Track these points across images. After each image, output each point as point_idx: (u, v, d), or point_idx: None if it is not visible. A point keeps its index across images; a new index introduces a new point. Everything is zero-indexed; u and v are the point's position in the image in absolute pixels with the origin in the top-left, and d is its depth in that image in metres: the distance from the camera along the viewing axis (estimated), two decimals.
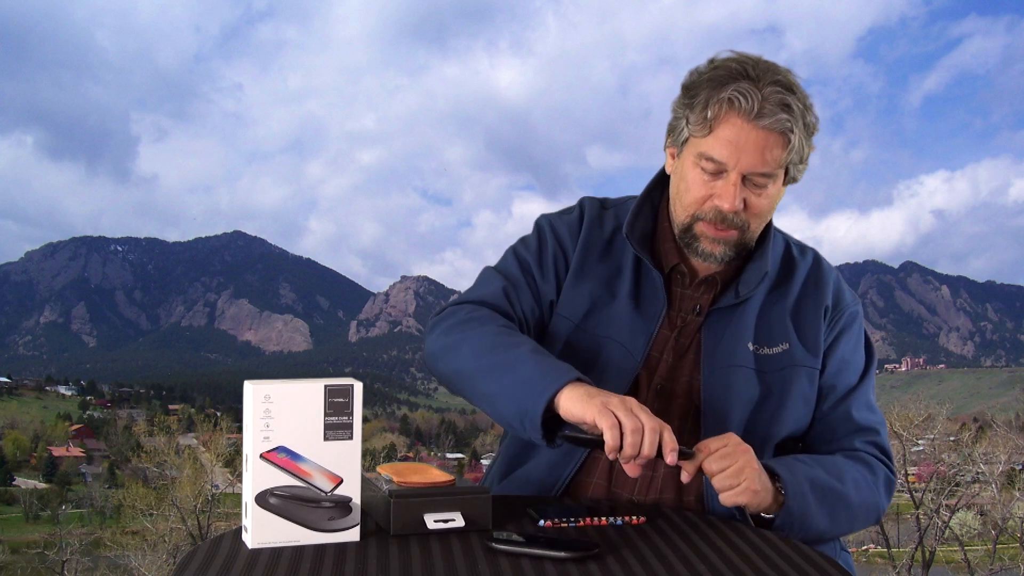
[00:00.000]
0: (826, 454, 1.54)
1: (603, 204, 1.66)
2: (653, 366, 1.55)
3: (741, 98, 1.38)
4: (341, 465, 1.17)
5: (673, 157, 1.54)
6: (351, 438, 1.18)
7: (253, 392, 1.13)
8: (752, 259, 1.55)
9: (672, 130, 1.52)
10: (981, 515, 27.37)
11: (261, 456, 1.14)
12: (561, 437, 1.31)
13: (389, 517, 1.21)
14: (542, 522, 1.28)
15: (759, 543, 1.24)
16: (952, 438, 30.23)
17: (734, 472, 1.32)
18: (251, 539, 1.15)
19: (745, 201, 1.44)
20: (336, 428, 1.17)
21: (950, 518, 23.62)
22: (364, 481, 1.26)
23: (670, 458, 1.24)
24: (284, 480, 1.15)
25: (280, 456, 1.15)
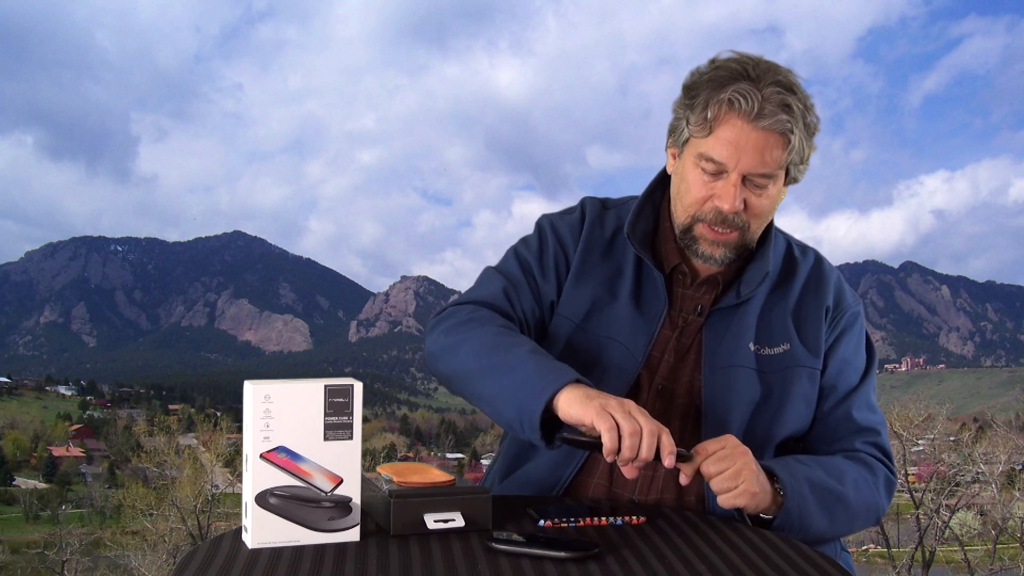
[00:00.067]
0: (826, 454, 1.54)
1: (604, 204, 1.66)
2: (654, 366, 1.55)
3: (741, 99, 1.38)
4: (341, 465, 1.17)
5: (674, 157, 1.54)
6: (351, 438, 1.18)
7: (253, 392, 1.13)
8: (753, 259, 1.55)
9: (673, 130, 1.52)
10: (981, 515, 27.38)
11: (261, 456, 1.14)
12: (560, 439, 1.31)
13: (389, 517, 1.21)
14: (542, 522, 1.28)
15: (759, 543, 1.24)
16: (952, 438, 30.24)
17: (732, 474, 1.32)
18: (251, 539, 1.15)
19: (745, 202, 1.44)
20: (336, 428, 1.16)
21: (950, 518, 23.63)
22: (364, 481, 1.26)
23: (668, 461, 1.25)
24: (284, 480, 1.15)
25: (280, 456, 1.15)
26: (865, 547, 35.61)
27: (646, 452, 1.23)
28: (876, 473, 1.53)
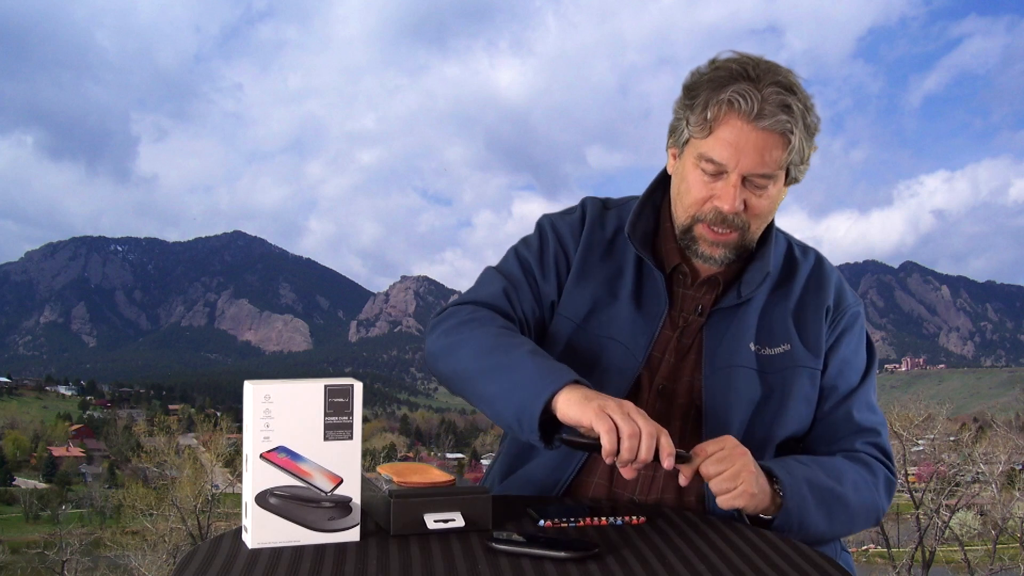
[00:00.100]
0: (827, 455, 1.53)
1: (605, 204, 1.66)
2: (655, 366, 1.55)
3: (741, 99, 1.38)
4: (341, 465, 1.17)
5: (675, 158, 1.54)
6: (351, 438, 1.17)
7: (253, 392, 1.13)
8: (754, 259, 1.55)
9: (673, 131, 1.52)
10: (981, 515, 27.38)
11: (261, 456, 1.14)
12: (559, 440, 1.31)
13: (389, 517, 1.21)
14: (542, 522, 1.28)
15: (759, 543, 1.24)
16: (952, 438, 30.25)
17: (731, 475, 1.32)
18: (251, 539, 1.15)
19: (745, 202, 1.44)
20: (336, 428, 1.16)
21: (950, 518, 23.64)
22: (364, 481, 1.26)
23: (666, 463, 1.25)
24: (284, 480, 1.15)
25: (280, 456, 1.15)
26: (865, 547, 35.62)
27: (645, 454, 1.23)
28: (876, 474, 1.53)
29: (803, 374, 1.54)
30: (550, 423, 1.32)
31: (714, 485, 1.33)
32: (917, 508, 23.92)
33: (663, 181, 1.62)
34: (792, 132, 1.39)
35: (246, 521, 1.16)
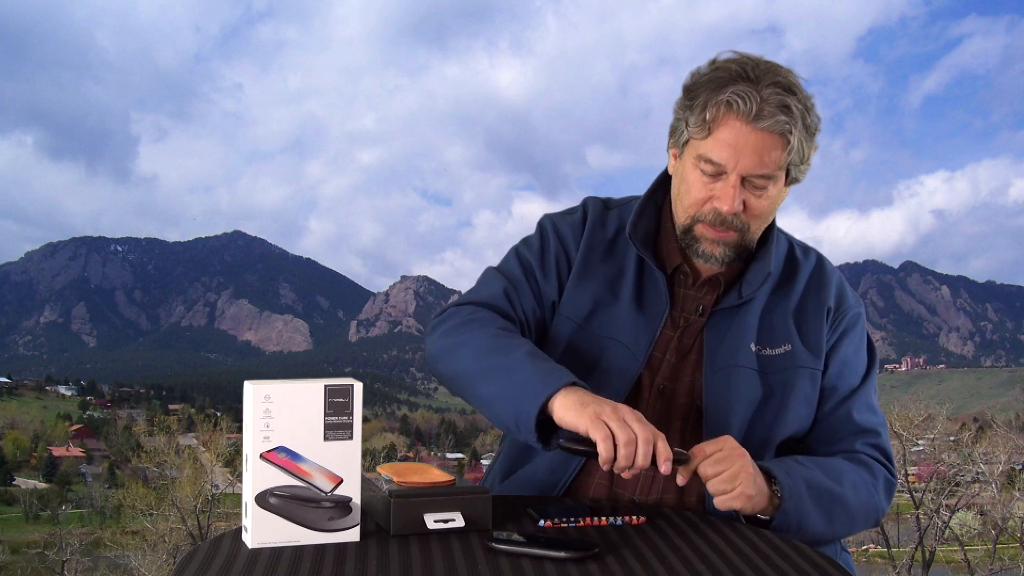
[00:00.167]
0: (826, 455, 1.53)
1: (606, 204, 1.66)
2: (655, 367, 1.55)
3: (739, 100, 1.38)
4: (341, 465, 1.17)
5: (675, 158, 1.54)
6: (351, 438, 1.17)
7: (253, 392, 1.13)
8: (755, 260, 1.55)
9: (673, 131, 1.52)
10: (981, 515, 27.36)
11: (261, 456, 1.14)
12: (556, 445, 1.31)
13: (389, 517, 1.21)
14: (542, 522, 1.28)
15: (759, 543, 1.24)
16: (952, 438, 30.23)
17: (729, 477, 1.32)
18: (251, 539, 1.15)
19: (745, 203, 1.44)
20: (336, 428, 1.16)
21: (950, 518, 23.63)
22: (364, 481, 1.26)
23: (664, 467, 1.25)
24: (284, 480, 1.15)
25: (280, 456, 1.15)
26: (865, 547, 35.61)
27: (642, 460, 1.23)
28: (876, 475, 1.53)
29: (804, 375, 1.54)
30: (548, 424, 1.32)
31: (712, 486, 1.33)
32: (917, 508, 23.91)
33: (664, 181, 1.62)
34: (791, 133, 1.39)
35: (246, 521, 1.16)
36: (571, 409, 1.27)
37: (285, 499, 1.15)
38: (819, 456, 1.53)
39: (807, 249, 1.66)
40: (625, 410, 1.26)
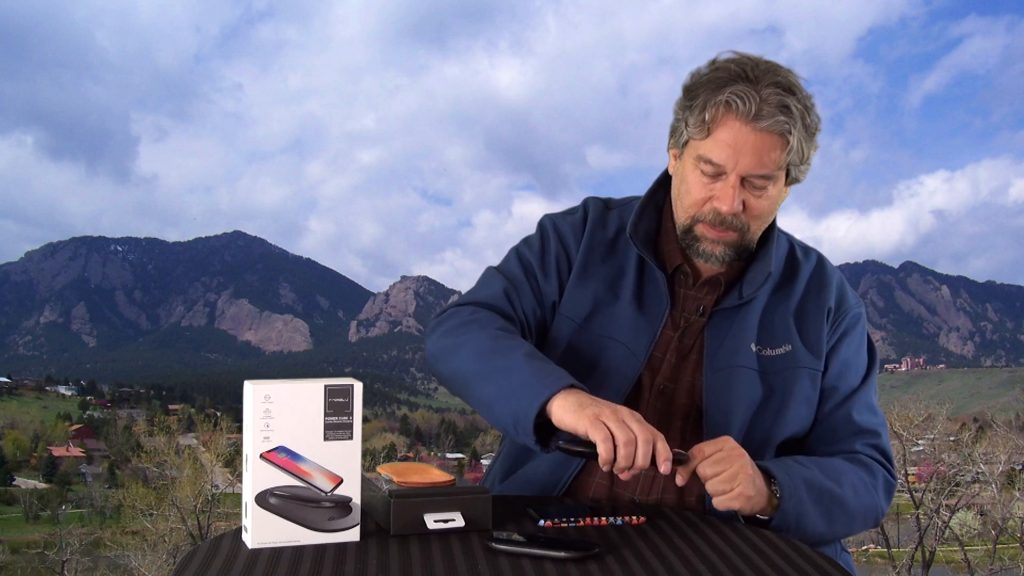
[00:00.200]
0: (826, 456, 1.53)
1: (607, 204, 1.66)
2: (656, 367, 1.55)
3: (738, 100, 1.37)
4: (341, 465, 1.17)
5: (675, 158, 1.54)
6: (351, 438, 1.17)
7: (253, 392, 1.13)
8: (756, 260, 1.55)
9: (674, 132, 1.52)
10: (981, 515, 27.36)
11: (261, 456, 1.14)
12: (555, 446, 1.31)
13: (389, 517, 1.21)
14: (542, 522, 1.28)
15: (759, 543, 1.24)
16: (952, 438, 30.22)
17: (728, 477, 1.32)
18: (251, 539, 1.15)
19: (744, 203, 1.44)
20: (336, 428, 1.16)
21: (950, 518, 23.62)
22: (364, 481, 1.26)
23: (663, 468, 1.25)
24: (284, 480, 1.15)
25: (280, 456, 1.15)
26: (865, 547, 35.61)
27: (641, 460, 1.23)
28: (875, 475, 1.53)
29: (804, 375, 1.54)
30: (547, 426, 1.32)
31: (711, 486, 1.33)
32: (917, 508, 23.91)
33: (665, 182, 1.61)
34: (790, 133, 1.38)
35: (246, 521, 1.16)
36: (570, 411, 1.27)
37: (285, 499, 1.15)
38: (819, 457, 1.53)
39: (808, 249, 1.66)
40: (624, 411, 1.26)
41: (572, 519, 1.29)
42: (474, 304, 1.54)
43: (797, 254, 1.63)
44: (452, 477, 1.29)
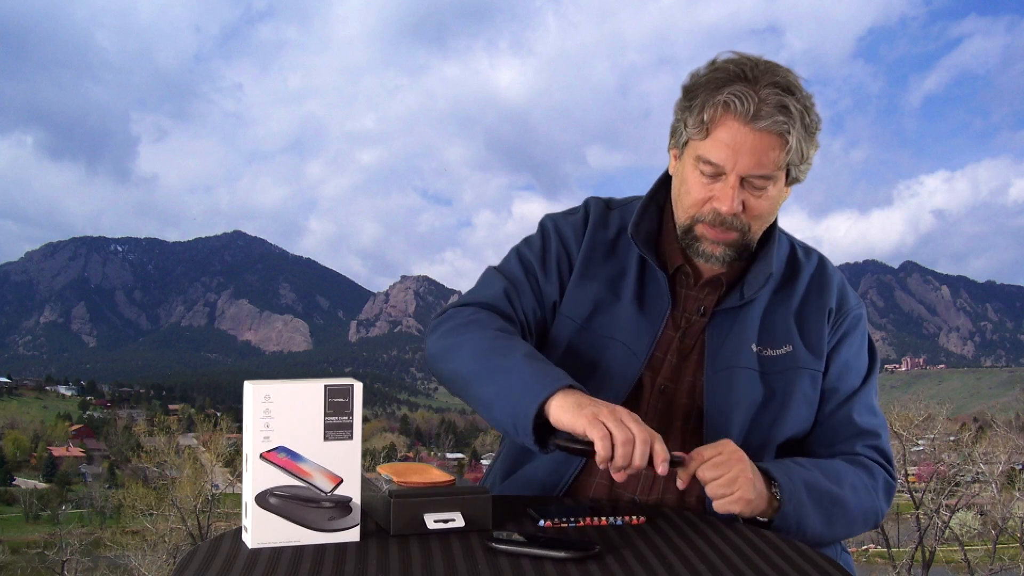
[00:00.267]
0: (826, 457, 1.53)
1: (608, 205, 1.66)
2: (656, 367, 1.55)
3: (737, 101, 1.37)
4: (341, 465, 1.17)
5: (676, 159, 1.54)
6: (351, 438, 1.17)
7: (253, 392, 1.13)
8: (757, 260, 1.55)
9: (673, 132, 1.52)
10: (981, 515, 27.36)
11: (261, 456, 1.14)
12: (553, 445, 1.31)
13: (389, 517, 1.21)
14: (542, 522, 1.28)
15: (759, 543, 1.24)
16: (952, 438, 30.22)
17: (727, 481, 1.32)
18: (251, 539, 1.15)
19: (744, 203, 1.44)
20: (336, 428, 1.16)
21: (950, 518, 23.62)
22: (364, 481, 1.26)
23: (661, 468, 1.25)
24: (284, 480, 1.15)
25: (280, 456, 1.15)
26: (865, 547, 35.62)
27: (639, 460, 1.23)
28: (875, 477, 1.53)
29: (804, 376, 1.54)
30: (546, 427, 1.32)
31: (711, 490, 1.33)
32: (917, 508, 23.91)
33: (666, 182, 1.61)
34: (789, 133, 1.38)
35: (246, 521, 1.16)
36: (568, 410, 1.27)
37: (285, 499, 1.15)
38: (819, 458, 1.53)
39: (808, 250, 1.66)
40: (622, 411, 1.26)
41: (572, 519, 1.29)
42: (474, 304, 1.54)
43: (798, 255, 1.63)
44: (452, 477, 1.29)
